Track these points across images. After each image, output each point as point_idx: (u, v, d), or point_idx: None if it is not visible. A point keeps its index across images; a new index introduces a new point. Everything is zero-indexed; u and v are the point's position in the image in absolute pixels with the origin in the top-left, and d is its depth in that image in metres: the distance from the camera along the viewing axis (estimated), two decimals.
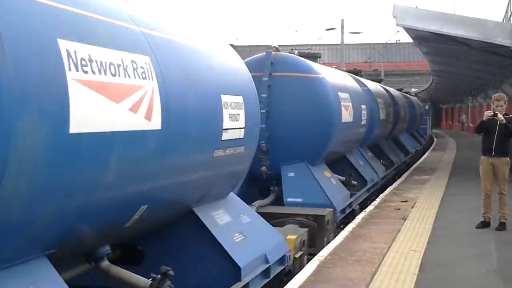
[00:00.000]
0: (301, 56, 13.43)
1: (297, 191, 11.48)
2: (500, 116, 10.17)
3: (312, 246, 9.58)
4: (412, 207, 12.75)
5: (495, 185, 10.55)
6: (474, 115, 53.10)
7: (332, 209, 11.00)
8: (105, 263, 5.35)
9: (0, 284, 3.81)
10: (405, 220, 11.29)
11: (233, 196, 7.66)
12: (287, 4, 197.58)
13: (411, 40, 25.54)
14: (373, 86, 20.35)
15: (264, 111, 11.02)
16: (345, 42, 37.83)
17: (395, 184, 17.18)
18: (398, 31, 56.00)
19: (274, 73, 11.88)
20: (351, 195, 13.34)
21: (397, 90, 31.45)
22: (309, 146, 11.86)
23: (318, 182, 11.66)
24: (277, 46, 12.39)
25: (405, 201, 13.58)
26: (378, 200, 14.04)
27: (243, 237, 6.83)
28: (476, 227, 10.48)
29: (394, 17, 18.12)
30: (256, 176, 11.63)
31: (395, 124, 22.75)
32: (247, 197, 10.24)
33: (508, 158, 10.52)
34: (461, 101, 58.12)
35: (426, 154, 29.18)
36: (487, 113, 10.47)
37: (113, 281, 5.39)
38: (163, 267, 5.35)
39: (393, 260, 8.29)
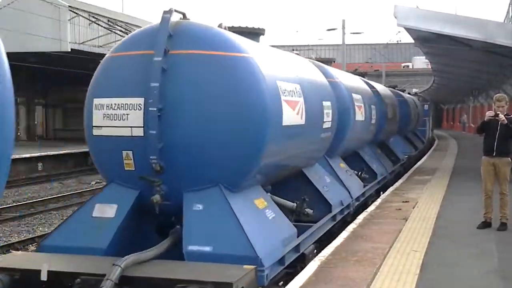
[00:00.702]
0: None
1: (206, 234, 7.09)
2: (501, 116, 10.17)
3: None
4: (413, 207, 12.75)
5: (496, 185, 10.56)
6: (475, 116, 53.11)
7: (253, 267, 6.66)
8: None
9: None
10: (406, 220, 11.29)
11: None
12: (288, 5, 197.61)
13: (412, 41, 25.56)
14: (347, 79, 15.85)
15: (155, 109, 7.09)
16: (346, 42, 37.83)
17: (396, 184, 17.17)
18: (399, 32, 56.04)
19: (174, 51, 7.31)
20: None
21: (390, 86, 29.52)
22: (228, 163, 7.34)
23: (238, 220, 7.11)
24: (184, 13, 7.85)
25: (406, 201, 13.58)
26: (379, 200, 14.03)
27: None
28: (477, 228, 10.49)
29: (395, 17, 18.12)
30: (149, 209, 7.39)
31: (380, 127, 18.62)
32: (136, 240, 7.49)
33: (509, 158, 10.53)
34: (462, 101, 58.14)
35: (421, 161, 25.40)
36: (489, 114, 10.48)
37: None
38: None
39: (394, 260, 8.30)
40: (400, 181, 17.96)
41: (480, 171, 10.69)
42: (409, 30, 20.54)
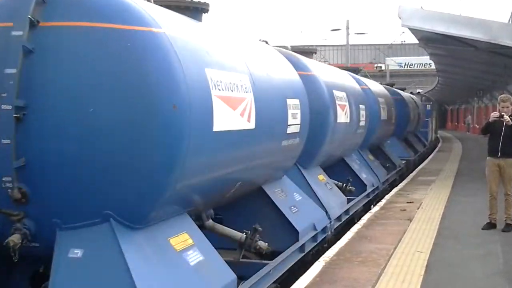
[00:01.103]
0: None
1: None
2: (506, 117, 10.15)
3: None
4: (418, 208, 12.73)
5: (501, 186, 10.53)
6: (479, 116, 53.02)
7: None
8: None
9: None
10: (410, 221, 11.27)
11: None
12: (292, 5, 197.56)
13: (416, 41, 25.54)
14: (327, 73, 12.62)
15: (10, 107, 4.88)
16: (350, 42, 37.83)
17: (400, 185, 17.15)
18: (403, 32, 55.91)
19: (46, 22, 5.00)
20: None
21: (388, 85, 26.34)
22: (123, 187, 4.98)
23: (131, 277, 4.70)
24: None
25: (410, 202, 13.57)
26: (383, 201, 14.02)
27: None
28: (482, 229, 10.46)
29: (400, 18, 18.11)
30: (6, 255, 4.99)
31: (372, 129, 16.18)
32: None
33: None
34: (467, 102, 58.03)
35: (424, 162, 24.72)
36: (493, 115, 10.46)
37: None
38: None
39: (399, 261, 8.28)
40: (404, 182, 17.94)
41: (485, 172, 10.66)
42: (413, 30, 20.54)
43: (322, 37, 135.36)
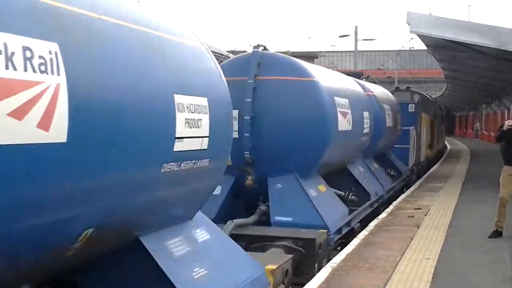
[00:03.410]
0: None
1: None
2: None
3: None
4: (426, 215, 12.69)
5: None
6: (488, 123, 52.86)
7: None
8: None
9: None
10: (418, 227, 11.24)
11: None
12: (301, 11, 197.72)
13: (425, 47, 25.50)
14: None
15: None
16: (358, 49, 37.81)
17: (408, 192, 17.11)
18: (412, 38, 55.86)
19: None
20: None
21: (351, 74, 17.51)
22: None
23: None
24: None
25: (418, 209, 13.53)
26: (391, 207, 13.98)
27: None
28: (489, 237, 10.39)
29: (408, 24, 18.10)
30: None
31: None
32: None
33: None
34: (475, 108, 57.90)
35: (433, 168, 23.74)
36: (508, 123, 10.42)
37: None
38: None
39: (406, 268, 8.26)
40: (412, 188, 17.90)
41: (499, 180, 10.59)
42: (422, 36, 20.52)
43: (330, 43, 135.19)
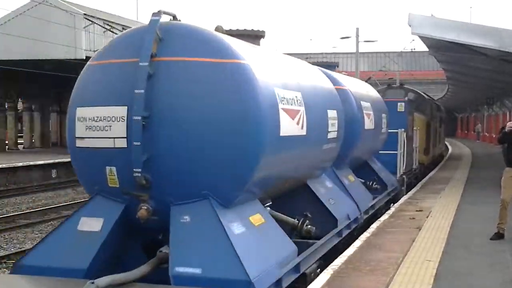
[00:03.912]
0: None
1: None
2: None
3: None
4: (427, 217, 12.68)
5: None
6: (489, 124, 52.85)
7: None
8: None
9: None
10: (420, 229, 11.23)
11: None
12: (302, 13, 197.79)
13: (426, 49, 25.49)
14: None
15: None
16: (360, 50, 37.80)
17: (410, 193, 17.09)
18: (413, 40, 55.98)
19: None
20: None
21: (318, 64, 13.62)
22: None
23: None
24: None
25: (420, 210, 13.51)
26: (392, 209, 13.97)
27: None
28: (490, 239, 10.37)
29: (410, 25, 18.09)
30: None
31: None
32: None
33: None
34: (477, 110, 57.91)
35: (434, 171, 23.25)
36: (510, 125, 10.41)
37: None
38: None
39: (408, 270, 8.24)
40: (414, 190, 17.89)
41: (500, 182, 10.57)
42: (423, 38, 20.51)
43: (331, 44, 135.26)
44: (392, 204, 15.08)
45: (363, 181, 13.36)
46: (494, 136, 43.10)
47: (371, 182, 13.92)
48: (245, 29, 8.81)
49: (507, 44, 17.02)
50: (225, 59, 6.66)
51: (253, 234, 6.86)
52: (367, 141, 13.43)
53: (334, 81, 11.58)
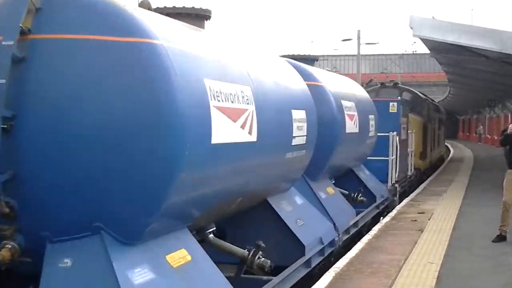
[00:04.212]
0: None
1: None
2: None
3: None
4: (429, 219, 12.67)
5: None
6: (491, 126, 52.83)
7: None
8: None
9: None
10: (422, 231, 11.22)
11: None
12: (304, 15, 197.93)
13: (428, 51, 25.50)
14: None
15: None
16: (361, 52, 37.81)
17: (412, 195, 17.08)
18: (414, 42, 55.87)
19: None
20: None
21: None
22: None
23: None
24: None
25: (422, 213, 13.50)
26: (394, 211, 13.96)
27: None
28: (492, 241, 10.35)
29: (411, 28, 18.12)
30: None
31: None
32: None
33: None
34: (478, 112, 57.89)
35: (436, 172, 23.43)
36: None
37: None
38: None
39: (410, 272, 8.23)
40: (415, 192, 17.87)
41: (503, 184, 10.56)
42: (424, 40, 20.53)
43: (333, 47, 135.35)
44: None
45: (347, 193, 11.80)
46: (495, 138, 43.05)
47: (356, 194, 12.00)
48: (183, 7, 6.91)
49: (508, 46, 17.01)
50: (129, 37, 4.65)
51: (167, 281, 4.87)
52: (350, 146, 11.41)
53: (307, 76, 9.62)
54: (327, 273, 8.17)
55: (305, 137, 8.18)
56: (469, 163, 30.10)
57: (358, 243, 10.22)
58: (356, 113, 11.71)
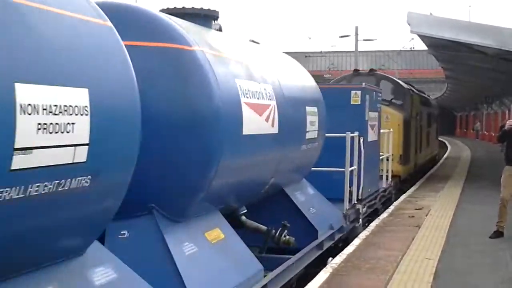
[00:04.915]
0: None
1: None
2: None
3: None
4: (426, 215, 12.68)
5: None
6: (488, 123, 52.86)
7: None
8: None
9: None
10: (419, 228, 11.23)
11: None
12: (301, 11, 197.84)
13: (425, 48, 25.49)
14: None
15: None
16: (359, 49, 37.81)
17: (409, 192, 17.09)
18: (412, 38, 55.89)
19: None
20: None
21: None
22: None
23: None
24: None
25: (419, 209, 13.52)
26: (392, 207, 13.97)
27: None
28: (490, 237, 10.37)
29: (409, 24, 18.10)
30: None
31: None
32: None
33: None
34: (476, 108, 57.90)
35: (433, 169, 24.47)
36: (509, 123, 10.40)
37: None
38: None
39: (407, 268, 8.24)
40: (413, 188, 17.88)
41: (500, 180, 10.57)
42: (422, 37, 20.51)
43: (330, 43, 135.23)
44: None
45: (265, 229, 7.81)
46: (493, 134, 43.11)
47: (278, 232, 7.85)
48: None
49: (506, 43, 17.02)
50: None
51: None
52: (259, 156, 7.22)
53: (169, 35, 5.72)
54: (324, 269, 8.18)
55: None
56: (467, 160, 30.13)
57: (356, 239, 10.23)
58: (273, 103, 7.31)
